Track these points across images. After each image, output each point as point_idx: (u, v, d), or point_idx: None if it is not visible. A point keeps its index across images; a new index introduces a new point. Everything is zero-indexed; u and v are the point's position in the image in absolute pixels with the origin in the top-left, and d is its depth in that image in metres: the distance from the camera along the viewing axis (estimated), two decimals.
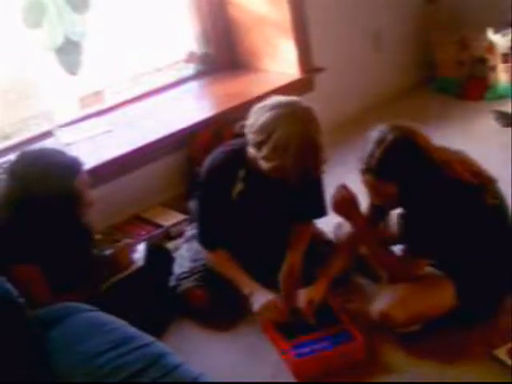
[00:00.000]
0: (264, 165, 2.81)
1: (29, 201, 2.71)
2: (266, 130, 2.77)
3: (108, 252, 3.14)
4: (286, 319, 2.86)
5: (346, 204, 2.91)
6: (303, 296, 2.91)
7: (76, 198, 2.81)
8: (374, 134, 2.70)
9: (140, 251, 3.17)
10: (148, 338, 2.25)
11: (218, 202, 3.00)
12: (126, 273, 3.05)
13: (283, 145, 2.73)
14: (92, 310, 2.38)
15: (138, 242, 3.26)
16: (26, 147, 3.68)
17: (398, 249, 2.87)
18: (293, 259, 3.02)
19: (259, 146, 2.80)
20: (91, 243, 3.03)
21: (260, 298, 2.90)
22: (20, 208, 2.73)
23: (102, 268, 3.03)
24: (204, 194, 3.05)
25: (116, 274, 3.04)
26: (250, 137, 2.84)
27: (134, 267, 3.08)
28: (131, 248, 3.17)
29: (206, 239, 3.09)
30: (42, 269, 2.74)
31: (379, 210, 2.94)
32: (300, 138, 2.74)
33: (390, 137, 2.64)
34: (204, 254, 3.10)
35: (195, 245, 3.18)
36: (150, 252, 3.16)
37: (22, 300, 2.23)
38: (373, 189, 2.77)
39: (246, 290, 2.95)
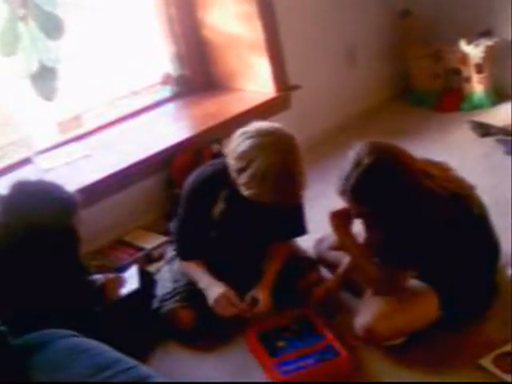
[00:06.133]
0: (243, 191, 2.84)
1: (28, 236, 2.64)
2: (246, 158, 2.79)
3: (97, 280, 3.10)
4: (238, 313, 2.91)
5: (342, 215, 2.86)
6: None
7: (74, 235, 2.79)
8: (352, 154, 2.68)
9: (132, 274, 3.16)
10: (132, 361, 2.23)
11: (196, 219, 3.02)
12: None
13: (261, 175, 2.76)
14: (74, 336, 2.37)
15: (127, 275, 3.21)
16: (5, 175, 3.70)
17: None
18: (270, 275, 3.05)
19: (239, 172, 2.83)
20: (89, 278, 3.01)
21: (213, 290, 2.93)
22: (18, 243, 2.65)
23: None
24: (184, 211, 3.07)
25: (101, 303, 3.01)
26: (231, 162, 2.86)
27: (120, 296, 3.05)
28: (120, 282, 3.13)
29: (181, 251, 3.13)
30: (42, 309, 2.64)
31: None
32: (278, 169, 2.76)
33: (366, 161, 2.62)
34: (178, 264, 3.14)
35: (176, 266, 3.19)
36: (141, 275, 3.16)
37: (3, 328, 2.23)
38: (351, 208, 2.78)
39: (201, 284, 3.00)
